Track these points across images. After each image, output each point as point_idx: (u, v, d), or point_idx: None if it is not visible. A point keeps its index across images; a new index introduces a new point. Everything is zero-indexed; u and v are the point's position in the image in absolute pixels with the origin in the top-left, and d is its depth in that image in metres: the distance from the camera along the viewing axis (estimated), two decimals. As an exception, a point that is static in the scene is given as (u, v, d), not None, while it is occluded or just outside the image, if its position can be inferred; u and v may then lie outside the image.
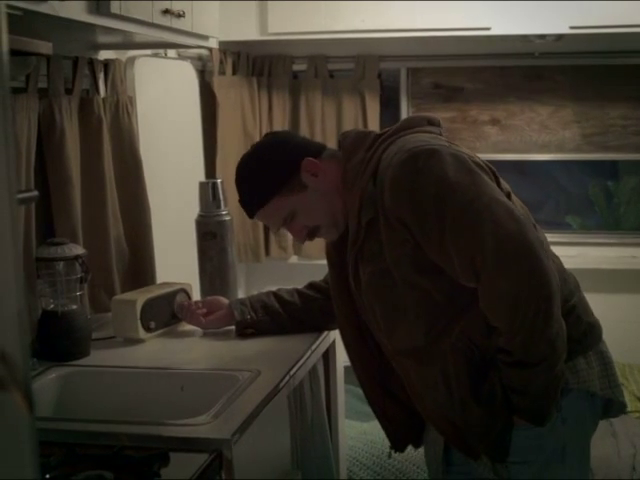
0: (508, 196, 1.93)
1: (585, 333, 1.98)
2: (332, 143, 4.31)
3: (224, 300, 2.62)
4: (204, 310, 2.61)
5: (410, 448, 2.23)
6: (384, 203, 1.87)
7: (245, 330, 2.53)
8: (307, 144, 2.16)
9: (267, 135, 2.24)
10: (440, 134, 2.01)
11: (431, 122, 2.04)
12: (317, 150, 2.10)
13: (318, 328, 2.54)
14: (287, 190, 2.05)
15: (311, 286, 2.54)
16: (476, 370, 1.90)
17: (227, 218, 2.79)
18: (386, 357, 2.09)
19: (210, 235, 2.75)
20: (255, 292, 4.49)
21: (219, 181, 2.84)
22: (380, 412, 2.18)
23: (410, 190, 1.84)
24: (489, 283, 1.82)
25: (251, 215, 2.12)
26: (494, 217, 1.80)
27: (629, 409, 3.84)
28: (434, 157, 1.85)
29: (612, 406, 2.06)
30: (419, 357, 1.95)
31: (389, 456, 2.41)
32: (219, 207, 2.77)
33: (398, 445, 2.21)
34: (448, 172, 1.83)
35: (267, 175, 2.07)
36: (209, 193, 2.78)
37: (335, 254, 2.14)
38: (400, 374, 2.05)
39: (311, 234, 2.10)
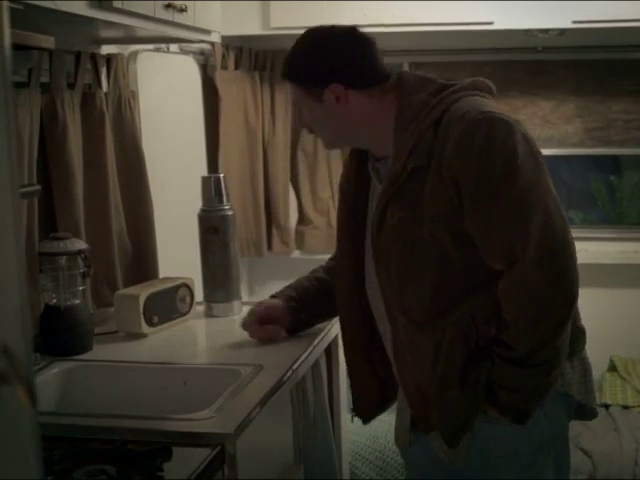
0: None
1: (576, 338, 1.96)
2: (334, 138, 4.33)
3: (277, 305, 2.44)
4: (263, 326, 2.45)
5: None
6: (443, 155, 1.82)
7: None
8: (367, 70, 2.00)
9: (351, 30, 2.03)
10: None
11: (491, 92, 2.00)
12: (369, 80, 1.98)
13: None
14: (307, 89, 2.00)
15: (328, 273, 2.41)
16: (468, 353, 1.87)
17: (229, 213, 2.79)
18: (375, 322, 2.08)
19: (212, 229, 2.75)
20: (257, 287, 4.56)
21: (221, 175, 2.84)
22: (356, 377, 2.17)
23: (478, 152, 1.80)
24: (521, 273, 1.80)
25: (281, 74, 2.10)
26: (547, 209, 1.80)
27: (631, 404, 3.84)
28: (509, 129, 1.82)
29: (584, 411, 2.06)
30: (419, 321, 1.92)
31: (351, 420, 2.33)
32: (221, 202, 2.77)
33: (362, 413, 2.21)
34: (518, 150, 1.81)
35: (301, 63, 2.03)
36: (211, 187, 2.77)
37: (351, 192, 2.10)
38: (389, 336, 2.01)
39: (310, 131, 2.09)
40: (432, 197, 1.84)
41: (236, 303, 2.80)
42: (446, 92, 1.91)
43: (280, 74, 2.09)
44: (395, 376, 2.07)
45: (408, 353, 1.96)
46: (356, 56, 1.99)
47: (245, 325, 2.46)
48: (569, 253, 1.81)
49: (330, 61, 1.98)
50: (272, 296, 2.46)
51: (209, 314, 2.78)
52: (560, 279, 1.81)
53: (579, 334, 2.00)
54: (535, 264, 1.79)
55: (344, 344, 2.20)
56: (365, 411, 2.23)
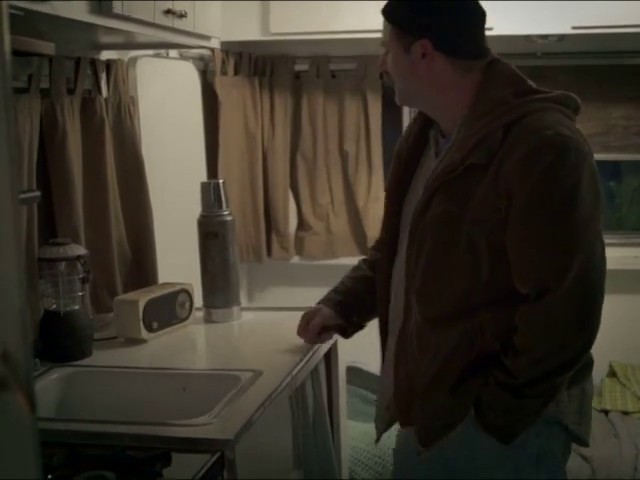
0: None
1: (582, 368, 1.90)
2: (334, 144, 4.34)
3: (328, 314, 2.39)
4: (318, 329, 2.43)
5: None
6: (505, 163, 1.76)
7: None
8: (463, 40, 1.93)
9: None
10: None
11: (577, 111, 1.94)
12: (460, 51, 1.91)
13: None
14: (400, 34, 1.92)
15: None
16: (468, 363, 1.86)
17: (229, 218, 2.79)
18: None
19: (212, 235, 2.75)
20: (257, 293, 4.55)
21: (221, 181, 2.84)
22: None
23: (542, 174, 1.75)
24: (549, 304, 1.78)
25: (382, 10, 1.99)
26: (593, 250, 1.79)
27: (631, 409, 3.84)
28: (580, 159, 1.78)
29: (576, 439, 2.00)
30: (431, 316, 1.89)
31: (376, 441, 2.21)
32: (221, 207, 2.77)
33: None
34: (583, 182, 1.76)
35: (405, 8, 1.94)
36: (210, 193, 2.78)
37: (405, 157, 2.06)
38: (398, 325, 1.98)
39: (388, 78, 2.03)
40: (481, 200, 1.80)
41: (235, 309, 2.80)
42: (530, 97, 1.85)
43: (381, 10, 1.98)
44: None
45: (410, 345, 1.93)
46: (459, 22, 1.92)
47: (301, 332, 2.43)
48: (601, 299, 1.80)
49: (432, 17, 1.91)
50: (318, 303, 2.41)
51: (208, 320, 2.78)
52: (585, 321, 1.79)
53: (584, 366, 1.92)
54: (566, 300, 1.77)
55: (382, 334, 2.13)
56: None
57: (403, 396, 1.96)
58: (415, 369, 1.92)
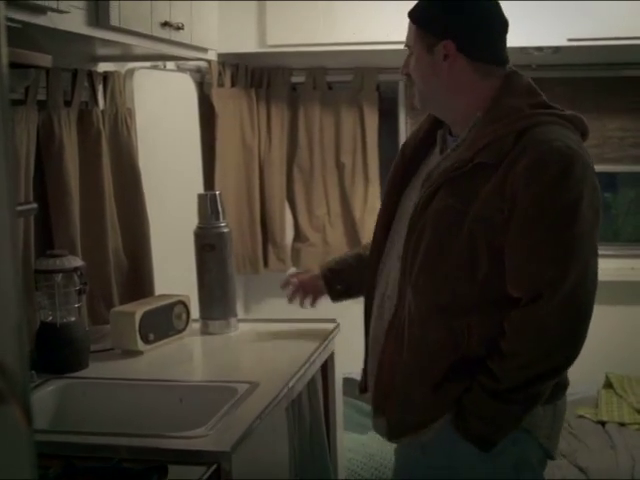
0: None
1: (556, 389, 1.94)
2: (330, 155, 4.35)
3: (314, 275, 2.59)
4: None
5: None
6: (514, 167, 1.80)
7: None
8: (485, 44, 1.97)
9: (494, 3, 2.00)
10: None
11: (585, 134, 1.96)
12: (482, 54, 1.95)
13: None
14: (424, 35, 1.95)
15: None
16: (452, 364, 1.87)
17: (226, 230, 2.79)
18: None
19: (209, 247, 2.75)
20: (253, 304, 4.55)
21: (217, 193, 2.84)
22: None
23: (549, 181, 1.80)
24: (541, 311, 1.81)
25: (408, 13, 2.01)
26: (588, 264, 1.83)
27: (628, 421, 3.84)
28: (586, 173, 1.82)
29: (545, 451, 2.02)
30: (421, 308, 1.90)
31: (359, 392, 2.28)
32: (217, 219, 2.77)
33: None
34: (585, 196, 1.81)
35: (431, 8, 1.97)
36: (207, 205, 2.78)
37: (411, 150, 2.10)
38: (391, 309, 1.99)
39: (409, 81, 2.06)
40: (486, 199, 1.82)
41: (232, 320, 2.79)
42: (544, 110, 1.90)
43: (408, 13, 2.00)
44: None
45: (399, 336, 1.94)
46: (482, 26, 1.96)
47: (286, 283, 2.62)
48: (591, 312, 1.84)
49: (456, 18, 1.95)
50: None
51: (205, 331, 2.77)
52: (574, 332, 1.83)
53: (561, 386, 1.98)
54: (558, 309, 1.80)
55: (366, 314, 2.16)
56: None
57: (383, 385, 1.98)
58: (400, 361, 1.93)
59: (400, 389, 1.93)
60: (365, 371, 2.15)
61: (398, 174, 2.10)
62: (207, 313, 2.79)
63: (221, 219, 2.78)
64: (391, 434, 1.98)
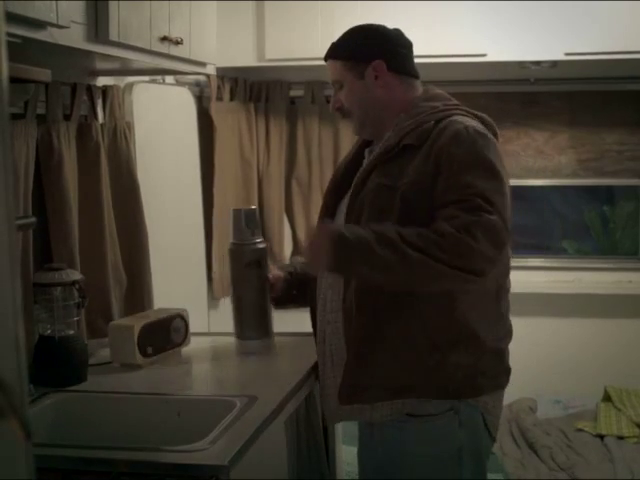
0: None
1: (501, 375, 2.22)
2: (329, 169, 4.35)
3: (278, 274, 2.65)
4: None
5: None
6: (437, 141, 2.09)
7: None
8: (406, 58, 2.30)
9: (396, 29, 2.32)
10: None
11: (495, 135, 2.25)
12: (406, 68, 2.28)
13: None
14: (352, 65, 2.24)
15: None
16: (406, 337, 2.09)
17: (264, 245, 2.66)
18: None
19: (255, 264, 2.61)
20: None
21: (254, 207, 2.72)
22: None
23: (468, 146, 2.08)
24: (480, 215, 1.98)
25: (326, 57, 2.31)
26: (504, 207, 2.05)
27: (626, 434, 3.83)
28: (495, 149, 2.15)
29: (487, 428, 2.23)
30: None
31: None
32: (254, 234, 2.63)
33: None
34: (489, 154, 2.10)
35: (351, 41, 2.27)
36: (242, 220, 2.62)
37: (342, 168, 2.37)
38: (341, 287, 2.20)
39: (344, 114, 2.31)
40: (413, 169, 2.09)
41: (273, 338, 2.70)
42: (454, 106, 2.22)
43: (324, 56, 2.30)
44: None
45: (350, 310, 2.15)
46: (399, 44, 2.28)
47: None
48: (503, 246, 2.04)
49: (377, 40, 2.26)
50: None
51: (244, 351, 2.66)
52: (490, 250, 1.98)
53: (504, 372, 2.24)
54: (486, 221, 1.98)
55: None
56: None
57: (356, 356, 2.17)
58: (351, 334, 2.16)
59: (357, 357, 2.14)
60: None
61: (332, 191, 2.34)
62: (247, 333, 2.67)
63: (258, 234, 2.66)
64: (341, 398, 2.19)
